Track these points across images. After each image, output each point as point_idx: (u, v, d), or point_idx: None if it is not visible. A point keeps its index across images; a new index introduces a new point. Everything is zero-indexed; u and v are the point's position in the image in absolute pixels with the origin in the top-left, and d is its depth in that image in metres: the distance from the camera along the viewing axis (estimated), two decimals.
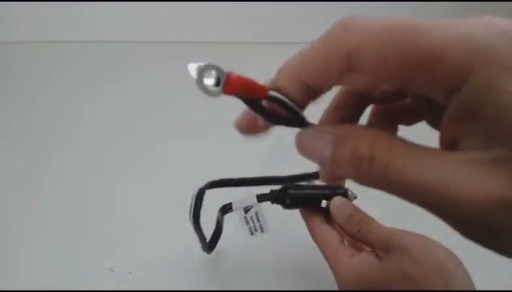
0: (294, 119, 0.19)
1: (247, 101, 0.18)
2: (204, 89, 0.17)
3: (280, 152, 0.49)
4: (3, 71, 0.68)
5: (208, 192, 0.36)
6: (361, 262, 0.30)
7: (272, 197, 0.36)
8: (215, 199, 0.36)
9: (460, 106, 0.15)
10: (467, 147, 0.15)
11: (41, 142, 0.55)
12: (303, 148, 0.19)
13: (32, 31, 0.72)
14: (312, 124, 0.20)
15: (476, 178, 0.14)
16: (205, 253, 0.39)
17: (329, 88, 0.19)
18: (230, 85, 0.16)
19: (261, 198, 0.36)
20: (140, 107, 0.60)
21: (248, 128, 0.21)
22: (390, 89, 0.21)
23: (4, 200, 0.48)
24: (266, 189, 0.37)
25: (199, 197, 0.35)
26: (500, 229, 0.14)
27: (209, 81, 0.17)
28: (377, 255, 0.30)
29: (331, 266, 0.32)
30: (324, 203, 0.35)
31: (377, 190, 0.16)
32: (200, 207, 0.35)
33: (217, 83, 0.17)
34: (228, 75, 0.16)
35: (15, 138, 0.56)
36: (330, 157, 0.17)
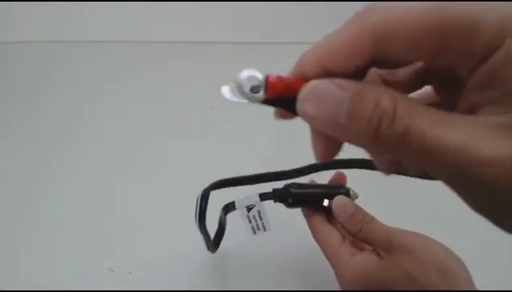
0: None
1: (284, 105, 0.17)
2: (249, 97, 0.16)
3: (280, 152, 0.49)
4: (3, 71, 0.68)
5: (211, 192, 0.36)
6: (363, 261, 0.30)
7: (275, 196, 0.36)
8: (216, 199, 0.36)
9: (487, 73, 0.15)
10: (485, 113, 0.15)
11: (41, 142, 0.55)
12: (309, 105, 0.17)
13: (32, 31, 0.72)
14: None
15: (494, 139, 0.14)
16: (205, 252, 0.39)
17: (357, 75, 0.17)
18: (271, 88, 0.16)
19: (263, 197, 0.36)
20: (140, 107, 0.60)
21: (325, 155, 0.19)
22: (413, 71, 0.20)
23: (4, 200, 0.48)
24: (269, 187, 0.37)
25: (204, 198, 0.35)
26: None
27: (247, 89, 0.16)
28: (378, 255, 0.30)
29: (333, 265, 0.32)
30: (326, 202, 0.35)
31: (391, 154, 0.16)
32: (205, 208, 0.35)
33: (256, 90, 0.16)
34: (268, 79, 0.16)
35: (15, 138, 0.56)
36: (346, 117, 0.16)
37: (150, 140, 0.55)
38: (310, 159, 0.19)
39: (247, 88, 0.16)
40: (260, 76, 0.16)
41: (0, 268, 0.42)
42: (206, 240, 0.37)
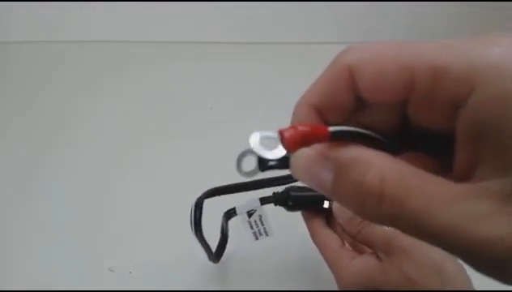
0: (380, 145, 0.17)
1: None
2: (269, 155, 0.15)
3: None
4: (3, 71, 0.68)
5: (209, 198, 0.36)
6: (362, 265, 0.30)
7: (275, 199, 0.36)
8: (216, 204, 0.36)
9: (468, 125, 0.14)
10: (483, 175, 0.13)
11: (41, 142, 0.55)
12: (298, 173, 0.17)
13: (32, 31, 0.72)
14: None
15: (495, 217, 0.13)
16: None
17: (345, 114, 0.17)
18: (288, 140, 0.15)
19: (264, 201, 0.36)
20: (140, 107, 0.60)
21: None
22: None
23: (4, 200, 0.48)
24: (264, 192, 0.37)
25: (198, 207, 0.34)
26: None
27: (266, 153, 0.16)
28: (377, 257, 0.30)
29: (332, 269, 0.32)
30: (326, 204, 0.35)
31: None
32: (200, 217, 0.34)
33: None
34: (281, 133, 0.15)
35: (15, 138, 0.56)
36: (331, 188, 0.15)
37: (150, 140, 0.55)
38: None
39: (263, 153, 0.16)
40: (272, 134, 0.16)
41: (0, 268, 0.42)
42: (206, 250, 0.37)
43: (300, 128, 0.16)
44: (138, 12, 0.72)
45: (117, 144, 0.54)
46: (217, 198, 0.36)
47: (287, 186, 0.36)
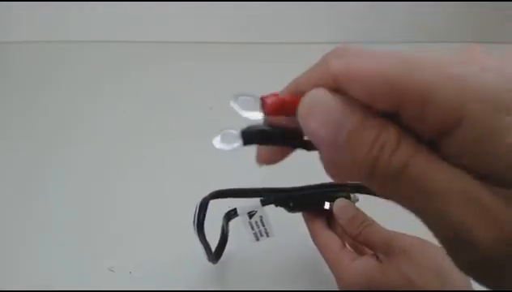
0: None
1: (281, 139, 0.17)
2: (246, 114, 0.17)
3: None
4: (3, 71, 0.68)
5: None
6: (362, 266, 0.31)
7: (276, 200, 0.36)
8: (217, 204, 0.36)
9: (454, 149, 0.14)
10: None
11: (41, 142, 0.55)
12: (309, 120, 0.16)
13: (32, 31, 0.72)
14: None
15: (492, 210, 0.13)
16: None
17: None
18: (268, 106, 0.16)
19: (265, 202, 0.36)
20: (140, 107, 0.60)
21: (270, 159, 0.19)
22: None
23: (4, 200, 0.48)
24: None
25: (203, 208, 0.34)
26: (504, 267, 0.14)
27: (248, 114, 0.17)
28: (378, 258, 0.30)
29: (333, 270, 0.33)
30: (327, 205, 0.35)
31: (383, 192, 0.15)
32: (204, 218, 0.34)
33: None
34: (262, 99, 0.16)
35: (15, 138, 0.56)
36: (346, 139, 0.15)
37: (150, 140, 0.55)
38: (312, 161, 0.19)
39: (243, 108, 0.16)
40: (253, 98, 0.16)
41: (0, 268, 0.42)
42: (206, 251, 0.37)
43: (281, 96, 0.16)
44: (138, 12, 0.73)
45: (117, 144, 0.54)
46: (219, 200, 0.36)
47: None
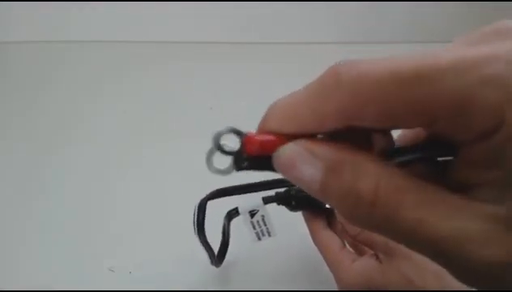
0: None
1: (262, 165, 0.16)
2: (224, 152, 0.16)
3: None
4: (3, 71, 0.68)
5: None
6: (362, 266, 0.31)
7: (278, 198, 0.36)
8: (218, 205, 0.36)
9: (486, 153, 0.13)
10: (481, 196, 0.13)
11: (41, 142, 0.55)
12: (283, 169, 0.15)
13: (32, 31, 0.72)
14: None
15: (492, 237, 0.12)
16: (206, 252, 0.39)
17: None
18: (249, 144, 0.16)
19: (266, 200, 0.36)
20: (140, 107, 0.60)
21: None
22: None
23: (4, 200, 0.48)
24: (268, 194, 0.37)
25: (201, 209, 0.34)
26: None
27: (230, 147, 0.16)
28: (377, 258, 0.30)
29: (333, 270, 0.33)
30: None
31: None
32: (203, 219, 0.34)
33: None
34: (246, 137, 0.16)
35: (15, 138, 0.56)
36: (319, 187, 0.14)
37: (150, 140, 0.55)
38: None
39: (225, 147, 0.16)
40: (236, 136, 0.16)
41: (0, 268, 0.42)
42: (208, 253, 0.36)
43: (261, 137, 0.16)
44: (138, 12, 0.73)
45: (117, 144, 0.54)
46: (219, 200, 0.36)
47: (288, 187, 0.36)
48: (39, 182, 0.50)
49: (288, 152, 0.15)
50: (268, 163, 0.16)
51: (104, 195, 0.48)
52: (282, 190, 0.36)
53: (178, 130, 0.56)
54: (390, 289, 0.28)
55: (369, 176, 0.13)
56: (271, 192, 0.37)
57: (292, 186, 0.36)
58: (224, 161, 0.16)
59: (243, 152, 0.16)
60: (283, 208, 0.36)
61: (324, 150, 0.14)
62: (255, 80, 0.64)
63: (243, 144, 0.16)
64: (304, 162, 0.14)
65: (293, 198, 0.35)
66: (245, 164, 0.16)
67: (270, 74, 0.64)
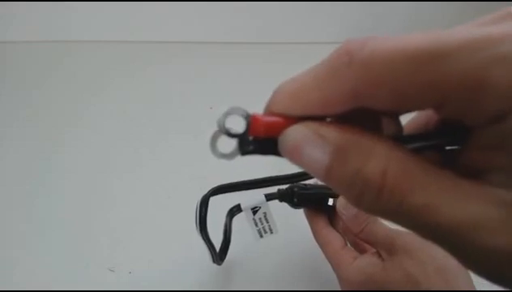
0: None
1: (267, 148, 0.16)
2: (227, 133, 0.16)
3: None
4: (3, 71, 0.68)
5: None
6: (365, 264, 0.31)
7: (280, 195, 0.36)
8: (220, 202, 0.36)
9: (499, 136, 0.12)
10: (493, 181, 0.13)
11: (41, 142, 0.55)
12: (288, 151, 0.15)
13: (33, 31, 0.72)
14: None
15: (505, 224, 0.12)
16: (206, 252, 0.39)
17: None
18: (254, 126, 0.15)
19: (269, 197, 0.36)
20: (140, 107, 0.60)
21: None
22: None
23: (4, 200, 0.48)
24: (270, 190, 0.37)
25: (203, 205, 0.34)
26: None
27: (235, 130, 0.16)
28: (380, 257, 0.30)
29: (335, 269, 0.33)
30: (331, 201, 0.35)
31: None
32: (205, 215, 0.34)
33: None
34: (253, 117, 0.15)
35: (15, 138, 0.56)
36: (324, 172, 0.14)
37: (150, 140, 0.55)
38: None
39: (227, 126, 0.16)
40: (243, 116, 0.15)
41: (0, 268, 0.41)
42: (210, 251, 0.36)
43: (266, 119, 0.15)
44: (138, 12, 0.73)
45: (117, 144, 0.54)
46: (221, 196, 0.36)
47: (291, 184, 0.36)
48: (39, 181, 0.50)
49: (296, 133, 0.14)
50: (274, 147, 0.15)
51: (104, 194, 0.48)
52: (284, 187, 0.36)
53: (178, 130, 0.56)
54: (392, 287, 0.28)
55: (377, 158, 0.13)
56: (274, 189, 0.37)
57: (295, 182, 0.37)
58: (229, 147, 0.16)
59: (248, 135, 0.15)
60: (284, 205, 0.36)
61: (333, 132, 0.14)
62: (255, 80, 0.63)
63: (248, 125, 0.15)
64: (311, 145, 0.14)
65: (296, 195, 0.35)
66: (251, 147, 0.16)
67: (271, 74, 0.64)
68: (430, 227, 0.13)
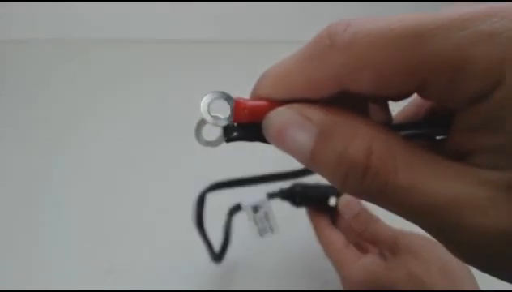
0: None
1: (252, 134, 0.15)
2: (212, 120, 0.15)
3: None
4: (3, 71, 0.68)
5: (212, 195, 0.36)
6: (368, 263, 0.31)
7: (282, 194, 0.36)
8: (219, 201, 0.36)
9: (483, 116, 0.12)
10: (479, 162, 0.12)
11: (41, 142, 0.55)
12: (272, 135, 0.14)
13: (33, 30, 0.72)
14: None
15: (491, 205, 0.12)
16: (206, 252, 0.39)
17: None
18: (238, 112, 0.15)
19: (271, 195, 0.36)
20: (140, 107, 0.60)
21: None
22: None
23: (4, 201, 0.48)
24: (268, 188, 0.37)
25: (200, 201, 0.34)
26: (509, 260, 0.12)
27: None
28: (382, 256, 0.30)
29: (337, 268, 0.33)
30: (333, 201, 0.35)
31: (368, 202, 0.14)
32: (202, 211, 0.34)
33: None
34: (236, 101, 0.15)
35: (15, 138, 0.56)
36: (309, 155, 0.13)
37: (149, 140, 0.54)
38: None
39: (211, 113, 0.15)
40: (226, 99, 0.15)
41: (0, 268, 0.41)
42: (207, 248, 0.36)
43: (250, 103, 0.15)
44: (139, 12, 0.72)
45: (117, 144, 0.54)
46: (221, 196, 0.36)
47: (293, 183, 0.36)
48: (39, 182, 0.50)
49: (279, 115, 0.14)
50: (259, 133, 0.15)
51: (104, 195, 0.48)
52: (286, 186, 0.36)
53: (178, 131, 0.56)
54: (396, 286, 0.28)
55: (361, 137, 0.13)
56: (274, 187, 0.37)
57: (292, 179, 0.37)
58: (214, 135, 0.16)
59: (233, 121, 0.15)
60: (285, 204, 0.36)
61: (318, 113, 0.14)
62: (255, 80, 0.63)
63: (233, 110, 0.15)
64: (295, 127, 0.14)
65: (298, 194, 0.35)
66: (235, 134, 0.15)
67: None
68: (414, 208, 0.12)
